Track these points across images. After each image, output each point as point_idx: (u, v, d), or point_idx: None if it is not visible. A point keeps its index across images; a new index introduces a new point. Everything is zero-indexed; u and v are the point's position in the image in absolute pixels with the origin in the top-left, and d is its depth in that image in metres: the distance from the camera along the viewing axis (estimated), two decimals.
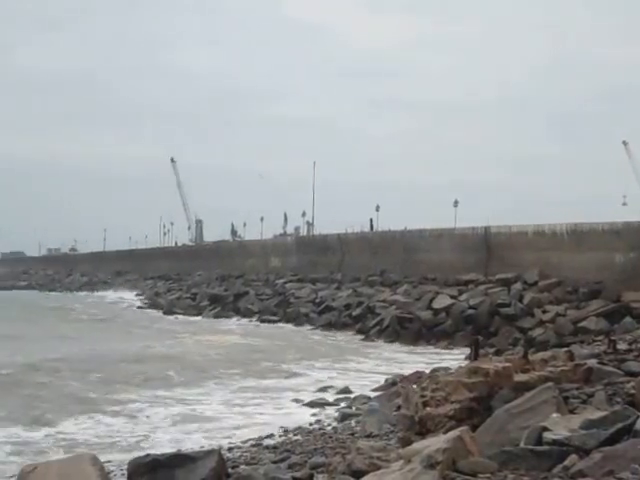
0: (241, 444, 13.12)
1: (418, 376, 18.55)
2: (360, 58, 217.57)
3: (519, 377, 8.89)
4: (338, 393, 18.56)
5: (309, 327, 37.73)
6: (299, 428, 14.33)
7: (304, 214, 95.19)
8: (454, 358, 25.68)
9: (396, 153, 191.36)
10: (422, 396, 9.09)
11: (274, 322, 40.30)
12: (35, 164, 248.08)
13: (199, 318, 45.27)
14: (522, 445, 6.73)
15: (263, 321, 40.96)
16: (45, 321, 41.33)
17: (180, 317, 46.20)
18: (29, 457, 12.35)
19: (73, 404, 17.34)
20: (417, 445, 6.95)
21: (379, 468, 8.32)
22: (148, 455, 9.10)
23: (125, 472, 9.52)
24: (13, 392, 18.69)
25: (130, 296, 61.10)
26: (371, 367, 23.89)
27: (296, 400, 17.85)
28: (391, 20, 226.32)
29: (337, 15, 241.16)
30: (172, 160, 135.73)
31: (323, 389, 19.20)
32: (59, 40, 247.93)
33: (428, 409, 8.75)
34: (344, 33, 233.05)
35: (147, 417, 16.20)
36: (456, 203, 71.92)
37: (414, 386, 16.03)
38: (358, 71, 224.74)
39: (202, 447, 12.00)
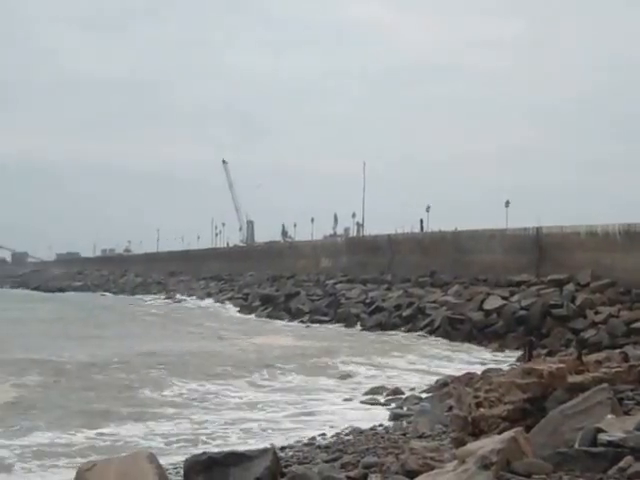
0: (294, 443, 13.20)
1: (469, 377, 18.49)
2: (411, 57, 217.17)
3: (573, 378, 8.86)
4: (389, 394, 18.56)
5: (360, 327, 37.70)
6: (351, 428, 14.33)
7: (354, 215, 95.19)
8: (504, 359, 25.64)
9: (449, 153, 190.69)
10: (475, 397, 9.10)
11: (325, 322, 40.33)
12: (90, 166, 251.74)
13: (252, 316, 45.82)
14: (576, 446, 6.72)
15: (314, 321, 41.00)
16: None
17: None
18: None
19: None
20: (471, 446, 6.98)
21: (433, 468, 8.35)
22: (204, 453, 9.17)
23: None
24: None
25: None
26: (421, 368, 23.82)
27: (348, 400, 17.91)
28: (441, 20, 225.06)
29: (385, 14, 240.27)
30: (224, 161, 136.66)
31: (375, 389, 19.21)
32: (110, 43, 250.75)
33: (481, 410, 8.77)
34: (390, 32, 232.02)
35: (207, 414, 16.48)
36: (507, 203, 71.43)
37: (466, 387, 16.06)
38: (409, 69, 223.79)
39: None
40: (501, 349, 29.41)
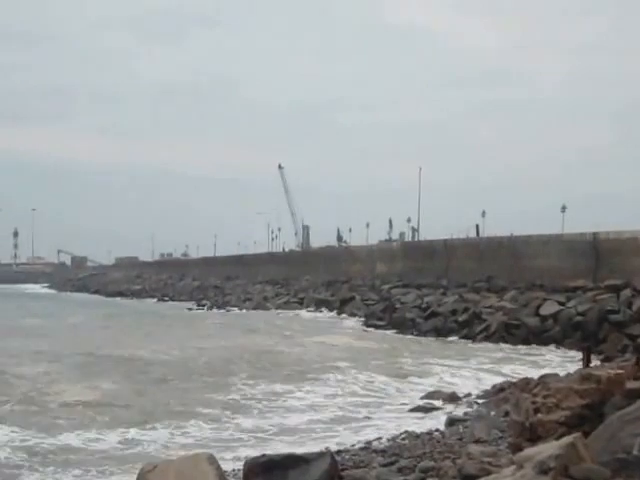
0: (350, 447, 13.24)
1: (526, 382, 18.43)
2: (465, 61, 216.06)
3: (632, 384, 8.81)
4: (446, 398, 18.54)
5: (415, 332, 37.62)
6: (406, 432, 14.33)
7: (409, 220, 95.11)
8: (559, 364, 25.45)
9: (504, 158, 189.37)
10: (533, 402, 9.10)
11: (380, 327, 40.26)
12: (149, 170, 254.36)
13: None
14: (635, 452, 6.70)
15: (369, 326, 40.98)
16: None
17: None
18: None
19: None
20: (529, 451, 7.00)
21: (490, 473, 8.38)
22: (263, 455, 9.33)
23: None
24: None
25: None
26: (479, 372, 23.71)
27: (404, 404, 17.93)
28: (497, 22, 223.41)
29: (437, 18, 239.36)
30: (280, 166, 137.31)
31: (431, 394, 19.20)
32: (169, 47, 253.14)
33: (539, 415, 8.76)
34: (445, 36, 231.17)
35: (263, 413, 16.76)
36: (564, 208, 70.90)
37: (523, 392, 16.00)
38: (466, 74, 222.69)
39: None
40: (558, 355, 29.18)
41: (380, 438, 13.97)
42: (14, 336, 34.76)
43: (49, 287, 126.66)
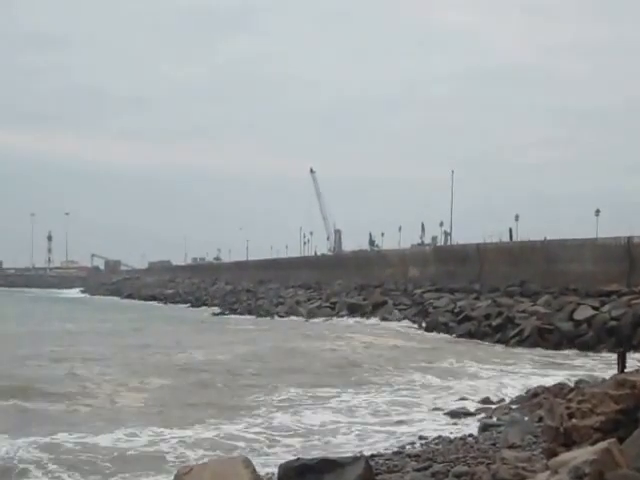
0: (383, 451, 13.24)
1: (560, 387, 18.37)
2: (501, 63, 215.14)
3: None
4: (479, 402, 18.50)
5: (454, 335, 37.52)
6: (440, 437, 14.32)
7: (442, 224, 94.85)
8: (593, 368, 25.29)
9: (537, 162, 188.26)
10: (567, 407, 9.06)
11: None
12: (180, 174, 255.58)
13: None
14: None
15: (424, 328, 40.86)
16: None
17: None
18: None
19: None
20: (564, 456, 6.99)
21: (524, 478, 8.39)
22: (298, 459, 9.34)
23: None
24: None
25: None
26: (512, 378, 23.59)
27: (438, 409, 17.89)
28: (527, 26, 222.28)
29: (473, 20, 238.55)
30: (311, 170, 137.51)
31: (464, 398, 19.17)
32: (203, 52, 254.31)
33: (574, 421, 8.73)
34: (480, 38, 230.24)
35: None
36: (598, 212, 70.40)
37: (557, 398, 15.94)
38: (499, 76, 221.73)
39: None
40: (592, 359, 28.99)
41: (413, 443, 13.97)
42: (58, 340, 35.08)
43: (83, 291, 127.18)
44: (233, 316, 57.63)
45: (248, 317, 55.57)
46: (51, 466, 12.48)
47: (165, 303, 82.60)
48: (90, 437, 14.33)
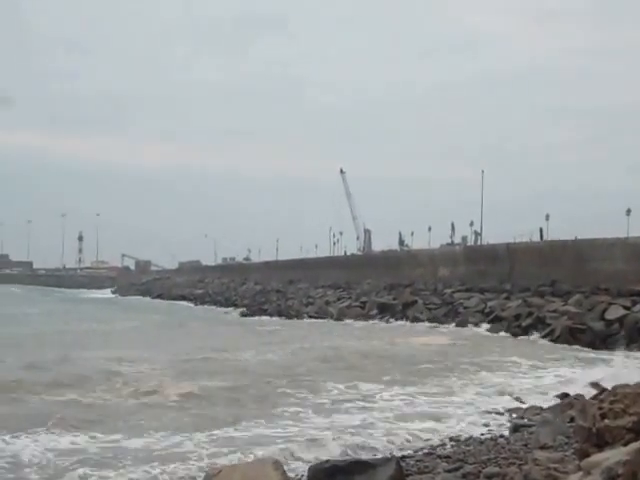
0: (413, 452, 13.20)
1: (592, 387, 18.27)
2: (529, 65, 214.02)
3: None
4: (510, 402, 18.40)
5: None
6: (470, 438, 14.27)
7: (472, 223, 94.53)
8: (625, 368, 25.07)
9: (569, 161, 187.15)
10: (600, 408, 8.99)
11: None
12: (210, 175, 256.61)
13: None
14: None
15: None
16: None
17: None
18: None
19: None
20: (596, 457, 6.94)
21: (556, 479, 8.31)
22: (328, 461, 9.32)
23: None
24: None
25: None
26: (542, 377, 23.41)
27: (467, 409, 17.79)
28: (557, 26, 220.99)
29: (499, 22, 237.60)
30: (341, 171, 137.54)
31: (495, 398, 19.07)
32: (232, 54, 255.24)
33: (606, 421, 8.66)
34: (507, 40, 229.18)
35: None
36: (629, 212, 69.98)
37: (589, 397, 15.84)
38: (530, 78, 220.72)
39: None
40: (624, 359, 28.77)
41: (444, 444, 13.90)
42: (102, 339, 35.52)
43: (114, 292, 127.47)
44: (264, 317, 56.80)
45: (276, 319, 54.75)
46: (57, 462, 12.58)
47: (195, 304, 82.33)
48: (128, 434, 14.48)
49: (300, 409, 17.44)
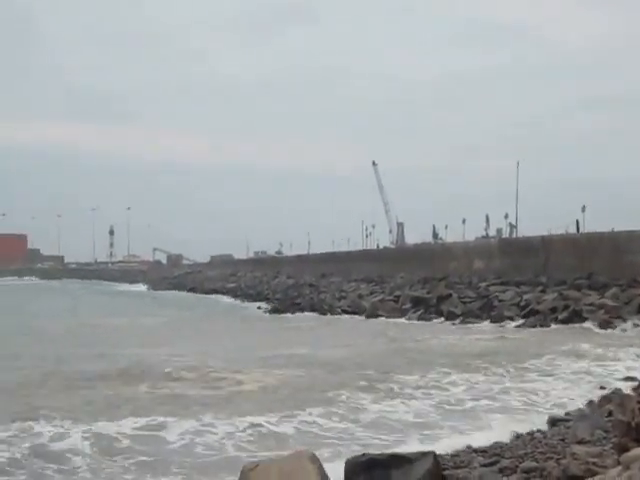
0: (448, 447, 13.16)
1: (630, 381, 18.13)
2: (564, 54, 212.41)
3: None
4: (546, 397, 18.25)
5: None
6: (507, 432, 14.06)
7: (507, 216, 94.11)
8: None
9: (605, 151, 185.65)
10: (639, 402, 8.92)
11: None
12: (241, 168, 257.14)
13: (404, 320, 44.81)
14: None
15: (466, 324, 40.27)
16: None
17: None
18: None
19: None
20: (636, 451, 6.88)
21: (595, 474, 8.26)
22: (364, 454, 9.27)
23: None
24: None
25: None
26: (582, 371, 23.17)
27: (507, 401, 17.63)
28: (589, 15, 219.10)
29: (531, 12, 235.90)
30: (373, 163, 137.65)
31: (533, 392, 18.91)
32: (262, 45, 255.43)
33: None
34: (538, 28, 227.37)
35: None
36: None
37: (627, 391, 15.70)
38: (563, 66, 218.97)
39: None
40: None
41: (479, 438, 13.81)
42: (160, 332, 36.14)
43: (147, 286, 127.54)
44: (297, 314, 53.49)
45: (309, 314, 52.57)
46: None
47: (237, 298, 79.73)
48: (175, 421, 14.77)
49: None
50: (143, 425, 14.53)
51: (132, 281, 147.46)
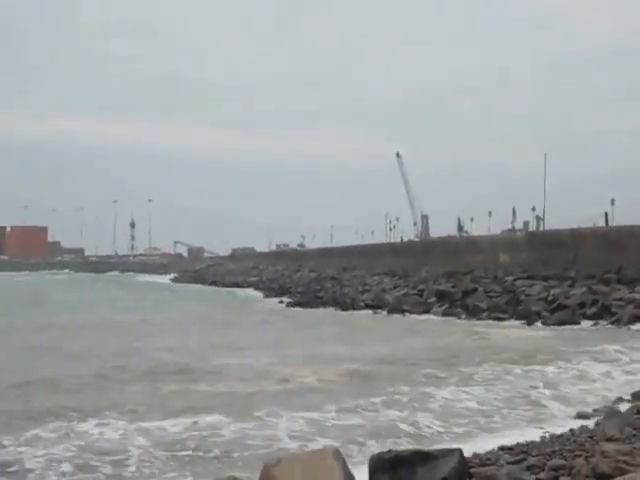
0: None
1: None
2: (592, 46, 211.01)
3: None
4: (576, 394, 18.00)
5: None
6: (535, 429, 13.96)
7: (534, 208, 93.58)
8: None
9: (634, 144, 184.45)
10: None
11: (504, 320, 39.12)
12: (263, 160, 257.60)
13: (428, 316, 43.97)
14: None
15: (492, 319, 39.65)
16: None
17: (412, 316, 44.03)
18: None
19: None
20: None
21: (625, 472, 8.07)
22: (390, 451, 9.11)
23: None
24: None
25: None
26: (608, 367, 22.86)
27: (533, 399, 17.38)
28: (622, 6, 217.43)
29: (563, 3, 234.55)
30: (398, 155, 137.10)
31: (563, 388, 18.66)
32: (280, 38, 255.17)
33: None
34: (570, 21, 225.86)
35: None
36: None
37: None
38: (594, 59, 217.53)
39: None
40: None
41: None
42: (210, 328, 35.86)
43: (172, 279, 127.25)
44: (318, 309, 52.52)
45: (330, 309, 51.48)
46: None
47: (265, 293, 78.18)
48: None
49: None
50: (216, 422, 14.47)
51: (160, 272, 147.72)
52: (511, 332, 32.94)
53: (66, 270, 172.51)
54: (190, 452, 12.55)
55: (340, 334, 33.07)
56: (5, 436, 13.08)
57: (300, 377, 19.91)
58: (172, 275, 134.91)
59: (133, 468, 11.84)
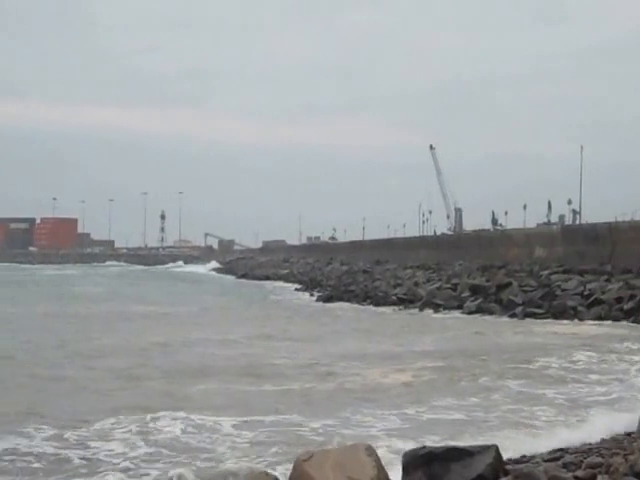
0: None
1: None
2: (621, 34, 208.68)
3: None
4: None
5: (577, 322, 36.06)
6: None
7: (570, 202, 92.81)
8: None
9: None
10: None
11: (539, 315, 38.58)
12: (294, 153, 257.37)
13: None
14: None
15: (527, 314, 39.01)
16: None
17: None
18: None
19: None
20: None
21: None
22: (424, 447, 8.96)
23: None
24: None
25: None
26: None
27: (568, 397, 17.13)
28: None
29: None
30: (431, 147, 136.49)
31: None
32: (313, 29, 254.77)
33: None
34: (600, 10, 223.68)
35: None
36: None
37: None
38: (627, 48, 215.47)
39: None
40: None
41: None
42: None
43: (218, 270, 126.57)
44: (344, 304, 50.74)
45: (356, 306, 49.52)
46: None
47: (290, 284, 77.62)
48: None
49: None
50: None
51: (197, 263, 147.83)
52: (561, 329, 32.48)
53: (122, 263, 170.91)
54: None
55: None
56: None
57: (380, 376, 19.67)
58: (212, 265, 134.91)
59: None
